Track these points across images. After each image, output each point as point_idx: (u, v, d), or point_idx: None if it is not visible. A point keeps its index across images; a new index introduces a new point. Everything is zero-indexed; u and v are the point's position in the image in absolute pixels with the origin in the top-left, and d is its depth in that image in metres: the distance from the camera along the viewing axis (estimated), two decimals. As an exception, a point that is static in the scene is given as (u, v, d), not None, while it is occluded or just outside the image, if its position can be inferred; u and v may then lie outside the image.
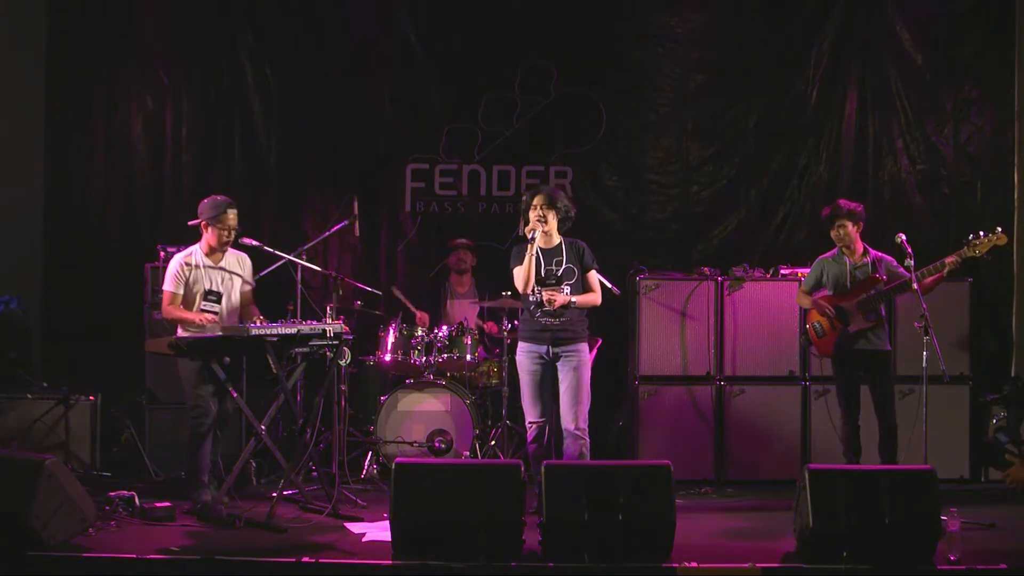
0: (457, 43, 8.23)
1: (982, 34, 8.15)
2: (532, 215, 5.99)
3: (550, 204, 5.97)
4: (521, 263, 5.98)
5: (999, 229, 6.03)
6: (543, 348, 5.97)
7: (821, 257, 6.58)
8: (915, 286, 6.06)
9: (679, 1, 8.32)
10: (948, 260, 6.06)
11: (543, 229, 5.93)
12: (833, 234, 6.44)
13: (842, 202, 6.46)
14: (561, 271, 6.00)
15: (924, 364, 5.95)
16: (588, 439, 5.95)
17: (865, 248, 6.45)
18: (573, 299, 5.96)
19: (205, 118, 8.31)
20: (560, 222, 6.03)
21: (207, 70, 8.29)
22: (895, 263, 6.34)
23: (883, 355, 6.40)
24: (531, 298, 5.99)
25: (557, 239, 6.04)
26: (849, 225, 6.37)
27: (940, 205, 8.16)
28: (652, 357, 7.18)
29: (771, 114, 8.29)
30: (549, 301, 5.91)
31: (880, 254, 6.44)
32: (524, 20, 8.16)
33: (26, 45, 8.15)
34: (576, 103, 8.31)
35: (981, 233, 6.04)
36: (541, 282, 5.96)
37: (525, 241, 6.02)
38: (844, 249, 6.45)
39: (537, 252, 5.97)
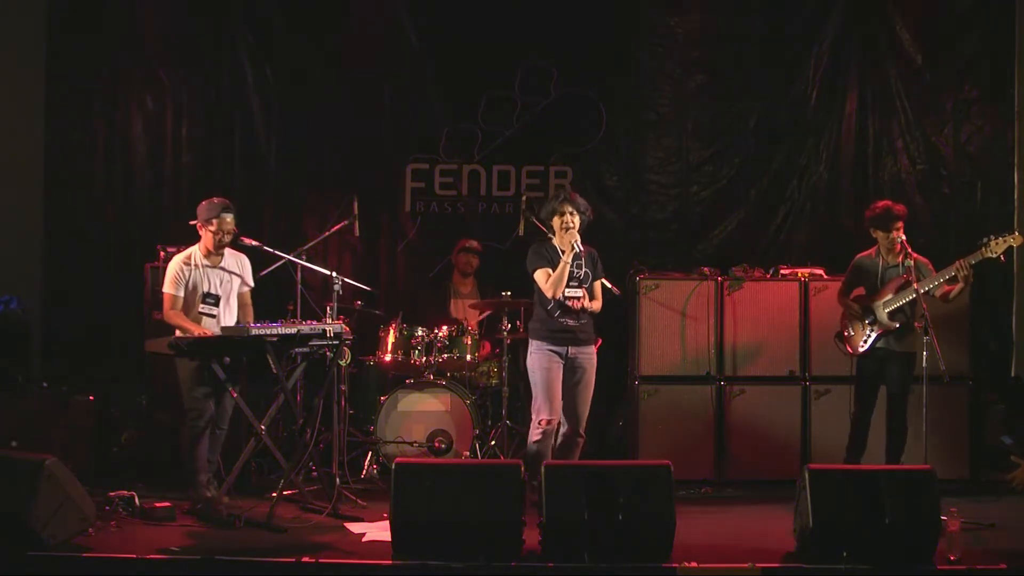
0: (457, 43, 8.22)
1: (982, 34, 8.15)
2: (558, 222, 6.00)
3: (578, 211, 6.00)
4: (544, 265, 6.01)
5: (1016, 231, 5.99)
6: (563, 349, 6.00)
7: (859, 256, 6.51)
8: (915, 286, 6.06)
9: (679, 1, 8.32)
10: (959, 263, 6.02)
11: (578, 240, 5.94)
12: (889, 235, 6.25)
13: (892, 204, 6.32)
14: (581, 275, 6.05)
15: (924, 364, 5.94)
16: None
17: (902, 248, 6.32)
18: (591, 304, 6.06)
19: (205, 118, 8.30)
20: (581, 224, 6.07)
21: (207, 70, 8.28)
22: (929, 264, 6.26)
23: (902, 356, 6.31)
24: (551, 301, 5.99)
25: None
26: (903, 227, 6.26)
27: (940, 205, 8.16)
28: (652, 357, 7.17)
29: (771, 114, 8.29)
30: (578, 301, 5.95)
31: (915, 256, 6.28)
32: (524, 20, 8.15)
33: (26, 46, 8.14)
34: (576, 103, 8.30)
35: (1005, 233, 5.96)
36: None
37: (542, 239, 6.10)
38: (885, 251, 6.36)
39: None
